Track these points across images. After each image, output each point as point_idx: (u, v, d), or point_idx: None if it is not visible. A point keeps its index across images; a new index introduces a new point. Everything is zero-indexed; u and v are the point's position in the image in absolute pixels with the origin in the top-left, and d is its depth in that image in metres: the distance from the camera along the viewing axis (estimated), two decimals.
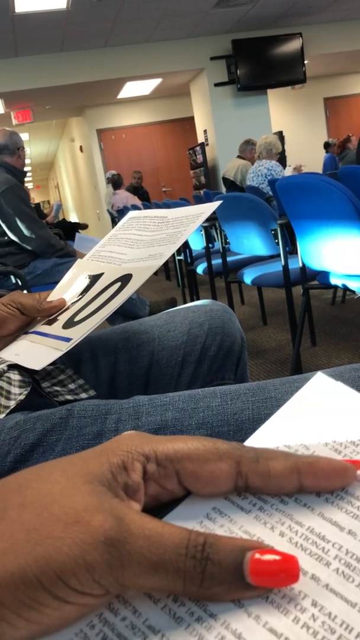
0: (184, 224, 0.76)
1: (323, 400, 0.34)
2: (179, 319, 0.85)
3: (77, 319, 0.70)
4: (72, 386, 0.70)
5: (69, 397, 0.68)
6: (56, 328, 0.71)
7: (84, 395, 0.69)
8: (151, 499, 0.30)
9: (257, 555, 0.25)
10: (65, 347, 0.66)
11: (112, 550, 0.25)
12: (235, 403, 0.55)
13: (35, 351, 0.68)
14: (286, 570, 0.25)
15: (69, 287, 0.79)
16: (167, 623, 0.25)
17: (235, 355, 0.86)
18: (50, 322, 0.73)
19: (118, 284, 0.71)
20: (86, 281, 0.77)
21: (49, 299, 0.75)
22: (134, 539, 0.25)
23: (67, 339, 0.67)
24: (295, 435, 0.32)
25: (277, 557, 0.25)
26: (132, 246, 0.79)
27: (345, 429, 0.32)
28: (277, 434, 0.33)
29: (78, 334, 0.67)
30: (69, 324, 0.70)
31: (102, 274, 0.76)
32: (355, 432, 0.32)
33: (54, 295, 0.77)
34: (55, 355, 0.66)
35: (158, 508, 0.30)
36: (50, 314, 0.74)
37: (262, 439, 0.33)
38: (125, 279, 0.71)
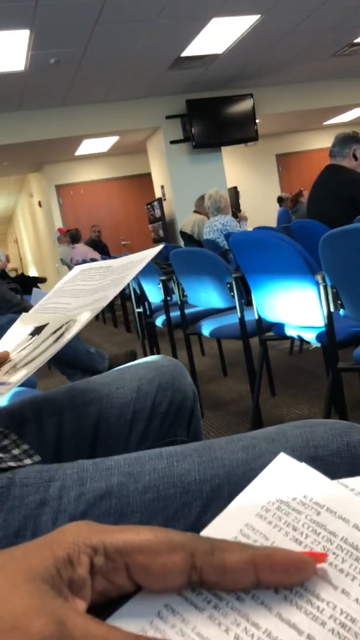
0: (128, 269, 0.79)
1: (286, 484, 0.33)
2: (128, 376, 0.84)
3: (19, 365, 0.70)
4: (15, 452, 0.68)
5: (12, 464, 0.65)
6: None
7: (28, 461, 0.67)
8: (98, 595, 0.27)
9: None
10: (5, 389, 0.65)
11: None
12: (181, 464, 0.55)
13: None
14: None
15: (14, 340, 0.79)
16: None
17: (187, 411, 0.85)
18: None
19: (63, 329, 0.71)
20: (31, 332, 0.77)
21: None
22: None
23: (7, 384, 0.67)
24: (256, 521, 0.31)
25: None
26: (77, 296, 0.80)
27: (307, 515, 0.31)
28: (238, 518, 0.31)
29: (15, 378, 0.67)
30: (10, 372, 0.70)
31: (47, 324, 0.76)
32: (317, 519, 0.30)
33: None
34: None
35: (105, 605, 0.28)
36: None
37: (223, 523, 0.31)
38: (69, 324, 0.72)
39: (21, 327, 0.81)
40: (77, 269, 0.90)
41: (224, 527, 0.31)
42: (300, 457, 0.53)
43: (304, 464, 0.34)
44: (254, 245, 2.02)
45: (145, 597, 0.28)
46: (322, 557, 0.28)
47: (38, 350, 0.71)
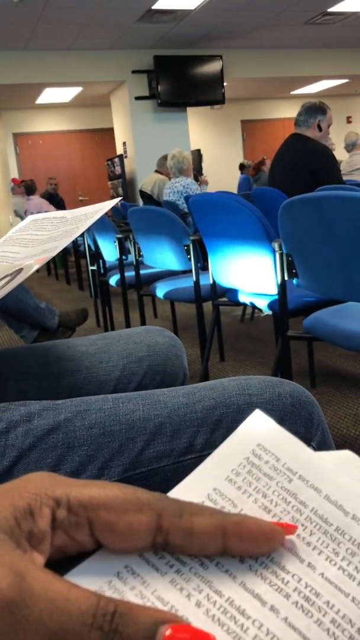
0: (81, 220, 0.76)
1: (259, 445, 0.31)
2: (116, 350, 0.77)
3: None
4: None
5: None
6: None
7: None
8: (57, 550, 0.26)
9: (169, 632, 0.22)
10: None
11: (7, 614, 0.21)
12: (126, 405, 0.57)
13: None
14: None
15: None
16: None
17: None
18: None
19: (7, 279, 0.69)
20: None
21: None
22: (35, 602, 0.22)
23: None
24: (225, 486, 0.29)
25: (192, 636, 0.22)
26: (27, 245, 0.77)
27: (279, 482, 0.29)
28: (206, 481, 0.30)
29: None
30: None
31: None
32: (288, 487, 0.29)
33: None
34: None
35: (62, 561, 0.26)
36: None
37: (191, 486, 0.30)
38: (15, 273, 0.69)
39: None
40: (29, 218, 0.87)
41: (191, 490, 0.29)
42: (236, 403, 0.56)
43: (278, 426, 0.32)
44: (214, 208, 2.00)
45: (104, 556, 0.27)
46: (291, 529, 0.27)
47: None
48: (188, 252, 2.39)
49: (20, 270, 0.69)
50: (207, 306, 2.47)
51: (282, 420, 0.55)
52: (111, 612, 0.22)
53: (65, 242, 0.70)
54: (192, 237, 2.34)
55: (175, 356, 0.79)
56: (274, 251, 1.76)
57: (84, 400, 0.58)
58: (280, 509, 0.28)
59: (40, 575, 0.23)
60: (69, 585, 0.23)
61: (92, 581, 0.25)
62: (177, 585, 0.26)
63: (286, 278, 1.72)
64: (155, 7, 6.60)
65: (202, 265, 2.44)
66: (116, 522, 0.26)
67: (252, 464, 0.30)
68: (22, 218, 7.67)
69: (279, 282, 1.76)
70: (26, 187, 7.63)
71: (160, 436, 0.55)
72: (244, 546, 0.26)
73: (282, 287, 1.76)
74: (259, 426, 0.32)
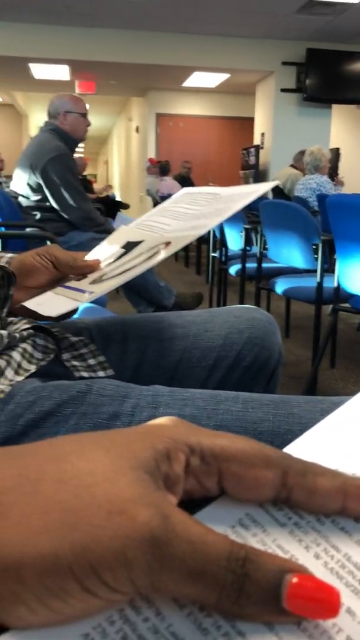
0: (234, 201, 0.76)
1: None
2: (219, 321, 0.82)
3: (105, 277, 0.71)
4: (91, 362, 0.68)
5: (84, 374, 0.66)
6: (83, 283, 0.72)
7: (101, 374, 0.68)
8: (185, 493, 0.28)
9: (296, 580, 0.23)
10: (85, 298, 0.66)
11: (155, 550, 0.23)
12: (256, 412, 0.53)
13: (56, 301, 0.70)
14: (326, 603, 0.23)
15: (107, 250, 0.79)
16: (191, 633, 0.23)
17: (269, 370, 0.82)
18: (79, 280, 0.74)
19: (156, 249, 0.71)
20: (124, 246, 0.77)
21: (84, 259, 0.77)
22: (178, 542, 0.23)
23: (90, 292, 0.68)
24: (332, 455, 0.31)
25: (318, 586, 0.23)
26: (178, 218, 0.79)
27: None
28: (314, 449, 0.31)
29: (100, 288, 0.67)
30: (97, 280, 0.71)
31: (142, 241, 0.76)
32: None
33: (90, 257, 0.77)
34: (72, 305, 0.67)
35: (187, 504, 0.28)
36: (82, 272, 0.75)
37: (299, 450, 0.31)
38: (159, 247, 0.71)
39: (116, 239, 0.81)
40: (183, 190, 0.90)
41: (302, 452, 0.30)
42: None
43: None
44: (353, 211, 1.94)
45: (227, 502, 0.28)
46: None
47: (127, 265, 0.70)
48: (315, 252, 2.34)
49: (167, 244, 0.71)
50: (323, 309, 2.41)
51: None
52: (242, 557, 0.24)
53: (216, 221, 0.71)
54: (323, 237, 2.28)
55: (272, 332, 0.82)
56: None
57: (213, 396, 0.56)
58: None
59: (182, 518, 0.24)
60: (206, 529, 0.24)
61: (216, 526, 0.26)
62: (295, 537, 0.26)
63: None
64: None
65: (327, 266, 2.38)
66: (244, 474, 0.27)
67: (357, 438, 0.32)
68: (153, 197, 7.85)
69: None
70: (161, 168, 7.81)
71: None
72: None
73: None
74: None
